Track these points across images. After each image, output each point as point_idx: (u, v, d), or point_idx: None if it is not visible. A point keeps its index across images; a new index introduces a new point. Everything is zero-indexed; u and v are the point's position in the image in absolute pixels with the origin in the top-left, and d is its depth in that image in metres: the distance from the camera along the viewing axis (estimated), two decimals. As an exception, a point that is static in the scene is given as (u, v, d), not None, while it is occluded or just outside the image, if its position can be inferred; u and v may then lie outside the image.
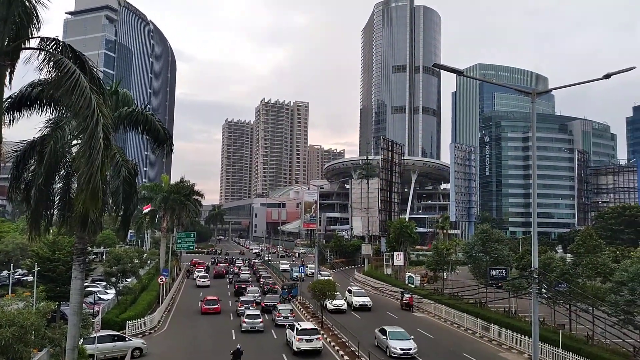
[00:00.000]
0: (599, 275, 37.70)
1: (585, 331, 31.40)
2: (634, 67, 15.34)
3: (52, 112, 17.18)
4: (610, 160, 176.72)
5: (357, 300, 47.77)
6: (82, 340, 26.88)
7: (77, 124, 15.33)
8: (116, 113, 19.58)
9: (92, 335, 27.98)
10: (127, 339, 29.80)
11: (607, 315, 24.69)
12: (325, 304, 41.10)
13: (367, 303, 47.61)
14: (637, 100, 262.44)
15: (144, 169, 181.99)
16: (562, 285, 32.86)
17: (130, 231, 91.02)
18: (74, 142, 18.39)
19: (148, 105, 22.16)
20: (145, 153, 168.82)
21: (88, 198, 13.80)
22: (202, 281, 61.84)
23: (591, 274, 37.89)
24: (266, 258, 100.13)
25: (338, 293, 42.78)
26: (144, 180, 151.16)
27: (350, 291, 50.80)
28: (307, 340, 30.24)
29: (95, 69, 15.75)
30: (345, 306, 46.34)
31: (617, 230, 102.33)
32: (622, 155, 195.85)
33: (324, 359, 30.16)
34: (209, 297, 45.99)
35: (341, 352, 31.30)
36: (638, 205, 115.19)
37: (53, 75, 14.27)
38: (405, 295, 48.60)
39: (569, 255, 56.06)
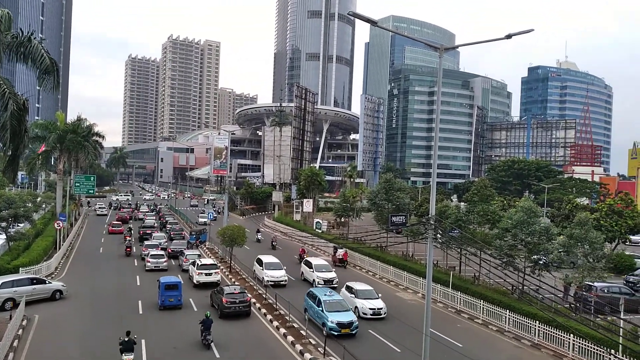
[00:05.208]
0: (489, 222, 41.31)
1: (472, 272, 34.58)
2: (533, 30, 16.31)
3: None
4: (505, 117, 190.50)
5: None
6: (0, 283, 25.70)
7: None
8: None
9: (9, 279, 27.08)
10: (46, 282, 29.28)
11: (493, 258, 27.24)
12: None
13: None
14: (533, 61, 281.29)
15: (37, 105, 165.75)
16: (455, 231, 35.60)
17: (21, 173, 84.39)
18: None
19: (40, 35, 19.91)
20: (38, 88, 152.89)
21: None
22: (101, 210, 77.09)
23: (482, 221, 41.41)
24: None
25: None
26: (36, 117, 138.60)
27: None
28: (206, 274, 33.43)
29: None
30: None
31: (506, 181, 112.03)
32: (516, 112, 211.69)
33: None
34: (115, 222, 58.20)
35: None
36: (525, 160, 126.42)
37: None
38: (339, 250, 44.48)
39: (462, 204, 60.39)
